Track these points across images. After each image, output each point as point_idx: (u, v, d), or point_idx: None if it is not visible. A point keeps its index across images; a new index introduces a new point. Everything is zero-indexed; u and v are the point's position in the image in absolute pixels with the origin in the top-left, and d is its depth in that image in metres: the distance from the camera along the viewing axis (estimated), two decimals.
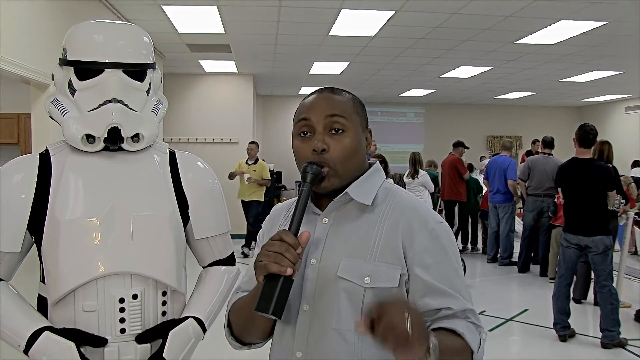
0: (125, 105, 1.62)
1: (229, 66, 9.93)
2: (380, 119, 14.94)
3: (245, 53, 8.75)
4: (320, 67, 9.78)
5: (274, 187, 11.21)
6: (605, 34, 7.01)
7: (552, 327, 5.16)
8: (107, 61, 1.63)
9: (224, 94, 10.81)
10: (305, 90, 12.33)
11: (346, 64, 9.45)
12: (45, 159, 1.68)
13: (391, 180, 4.05)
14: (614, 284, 5.02)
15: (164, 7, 6.10)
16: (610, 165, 5.74)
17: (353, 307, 1.23)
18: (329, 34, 7.32)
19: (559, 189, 5.54)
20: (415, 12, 6.25)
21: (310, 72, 10.21)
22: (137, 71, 1.68)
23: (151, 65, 1.75)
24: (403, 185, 7.35)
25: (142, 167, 1.72)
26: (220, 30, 7.12)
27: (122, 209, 1.63)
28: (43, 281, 1.66)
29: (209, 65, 9.85)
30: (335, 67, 9.75)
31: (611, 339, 4.82)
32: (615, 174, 5.96)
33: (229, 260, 1.91)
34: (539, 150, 8.10)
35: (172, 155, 1.81)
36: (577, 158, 5.01)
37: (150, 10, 6.17)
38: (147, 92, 1.73)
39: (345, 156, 1.28)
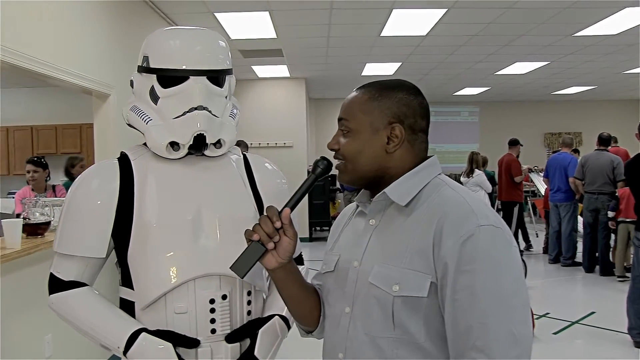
0: (209, 111, 1.64)
1: (281, 70, 10.00)
2: (434, 119, 14.55)
3: (297, 57, 8.80)
4: (372, 69, 9.74)
5: (329, 190, 11.21)
6: None
7: (624, 331, 4.92)
8: (192, 68, 1.64)
9: (277, 99, 10.90)
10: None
11: (398, 64, 9.39)
12: (125, 164, 1.71)
13: None
14: None
15: (216, 14, 6.19)
16: None
17: (384, 314, 1.19)
18: (381, 35, 7.28)
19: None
20: (468, 8, 6.14)
21: (363, 73, 10.18)
22: (217, 77, 1.70)
23: (230, 71, 1.77)
24: None
25: (222, 170, 1.75)
26: (272, 35, 7.16)
27: (208, 211, 1.66)
28: (124, 285, 1.68)
29: (262, 70, 9.94)
30: (388, 68, 9.69)
31: None
32: None
33: (298, 260, 1.91)
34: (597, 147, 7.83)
35: (245, 158, 1.86)
36: None
37: (203, 19, 6.25)
38: (226, 97, 1.76)
39: (349, 157, 1.31)
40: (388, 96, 1.29)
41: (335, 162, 1.35)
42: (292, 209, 1.30)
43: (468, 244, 1.11)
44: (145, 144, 1.72)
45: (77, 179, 1.74)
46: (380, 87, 1.31)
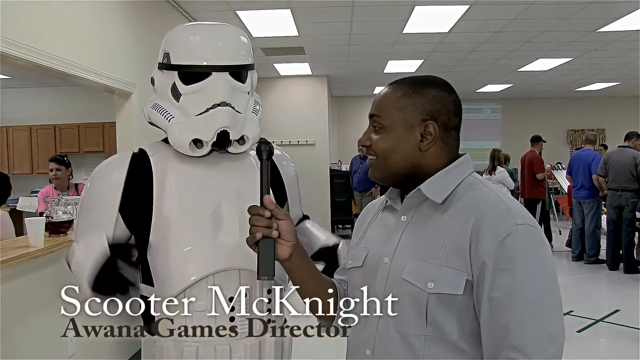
0: (232, 107, 1.62)
1: (303, 68, 10.01)
2: None
3: (319, 55, 8.79)
4: (394, 66, 9.70)
5: (351, 188, 11.17)
6: None
7: None
8: (214, 64, 1.62)
9: (299, 97, 10.91)
10: (379, 90, 12.28)
11: (421, 61, 9.34)
12: (143, 160, 1.69)
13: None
14: None
15: (238, 12, 6.21)
16: None
17: (417, 312, 1.19)
18: (403, 32, 7.24)
19: None
20: (490, 4, 6.09)
21: (385, 71, 10.13)
22: (239, 72, 1.68)
23: (252, 66, 1.75)
24: None
25: (243, 165, 1.74)
26: (294, 32, 7.17)
27: (228, 207, 1.65)
28: (144, 282, 1.67)
29: (284, 69, 9.95)
30: (410, 65, 9.64)
31: None
32: None
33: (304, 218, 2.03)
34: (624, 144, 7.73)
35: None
36: None
37: (225, 17, 6.26)
38: (248, 92, 1.73)
39: (382, 154, 1.29)
40: (422, 93, 1.28)
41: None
42: (268, 193, 1.31)
43: (506, 242, 1.12)
44: (164, 140, 1.72)
45: (90, 175, 1.75)
46: (414, 84, 1.30)
